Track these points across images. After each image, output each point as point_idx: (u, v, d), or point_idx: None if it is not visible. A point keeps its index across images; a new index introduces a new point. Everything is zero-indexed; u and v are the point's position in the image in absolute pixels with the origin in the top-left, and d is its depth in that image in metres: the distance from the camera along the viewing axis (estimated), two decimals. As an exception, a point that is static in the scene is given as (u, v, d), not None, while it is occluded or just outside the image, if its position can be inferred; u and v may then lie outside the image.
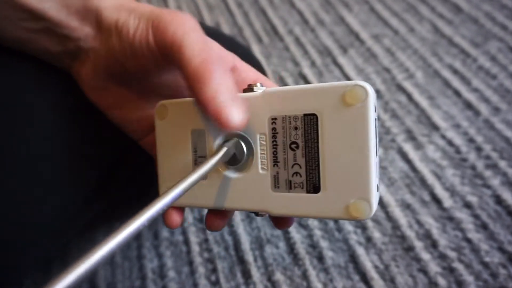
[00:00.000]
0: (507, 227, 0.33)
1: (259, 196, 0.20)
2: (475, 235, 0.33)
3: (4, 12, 0.21)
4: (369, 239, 0.34)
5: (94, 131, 0.25)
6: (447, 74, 0.46)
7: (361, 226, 0.35)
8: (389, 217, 0.35)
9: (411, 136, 0.41)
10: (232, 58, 0.24)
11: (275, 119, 0.20)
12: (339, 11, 0.59)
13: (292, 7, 0.62)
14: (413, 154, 0.39)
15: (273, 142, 0.20)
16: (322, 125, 0.19)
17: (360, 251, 0.33)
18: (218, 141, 0.21)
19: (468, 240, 0.32)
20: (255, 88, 0.21)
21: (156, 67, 0.21)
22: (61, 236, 0.24)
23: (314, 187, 0.19)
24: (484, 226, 0.33)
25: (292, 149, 0.20)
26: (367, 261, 0.32)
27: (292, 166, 0.20)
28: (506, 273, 0.30)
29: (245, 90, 0.21)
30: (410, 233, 0.33)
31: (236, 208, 0.21)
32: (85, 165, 0.25)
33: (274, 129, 0.20)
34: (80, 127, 0.24)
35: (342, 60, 0.51)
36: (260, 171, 0.20)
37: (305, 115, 0.19)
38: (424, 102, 0.44)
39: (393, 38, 0.52)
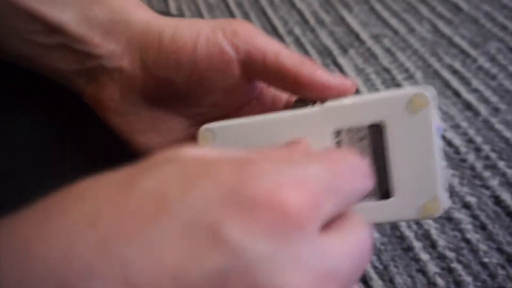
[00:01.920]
0: (506, 227, 0.33)
1: None
2: (474, 236, 0.33)
3: (11, 22, 0.18)
4: (368, 240, 0.34)
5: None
6: (446, 74, 0.46)
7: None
8: (388, 218, 0.35)
9: (410, 137, 0.41)
10: None
11: (340, 132, 0.20)
12: (339, 11, 0.59)
13: (292, 7, 0.62)
14: (412, 155, 0.39)
15: None
16: (388, 133, 0.20)
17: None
18: None
19: (467, 241, 0.33)
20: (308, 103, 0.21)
21: (221, 75, 0.19)
22: None
23: (385, 193, 0.20)
24: (483, 227, 0.33)
25: None
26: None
27: None
28: (504, 273, 0.30)
29: (296, 103, 0.21)
30: (409, 234, 0.34)
31: None
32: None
33: (338, 142, 0.20)
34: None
35: (342, 60, 0.51)
36: None
37: (370, 125, 0.20)
38: (423, 103, 0.44)
39: (393, 38, 0.52)
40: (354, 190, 0.13)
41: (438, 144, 0.19)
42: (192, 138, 0.22)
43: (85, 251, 0.10)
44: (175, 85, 0.20)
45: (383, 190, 0.20)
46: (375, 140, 0.20)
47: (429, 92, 0.19)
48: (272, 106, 0.23)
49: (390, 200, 0.20)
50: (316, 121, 0.20)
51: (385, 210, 0.20)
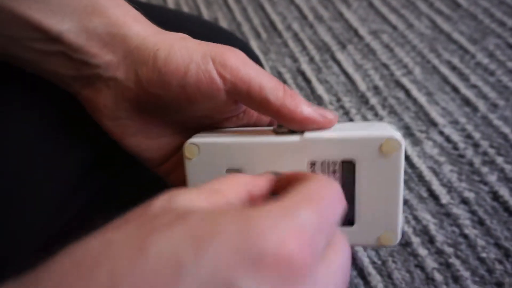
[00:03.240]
0: (503, 223, 0.33)
1: None
2: (472, 231, 0.33)
3: (12, 31, 0.19)
4: (366, 235, 0.34)
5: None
6: (445, 70, 0.46)
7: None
8: (387, 213, 0.35)
9: (409, 133, 0.41)
10: None
11: (314, 163, 0.22)
12: (337, 6, 0.59)
13: (290, 3, 0.62)
14: (410, 151, 0.39)
15: None
16: (358, 170, 0.21)
17: (358, 247, 0.33)
18: None
19: (465, 236, 0.33)
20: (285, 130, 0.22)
21: (208, 100, 0.20)
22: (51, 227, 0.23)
23: (349, 221, 0.22)
24: (481, 222, 0.33)
25: None
26: (365, 256, 0.32)
27: None
28: (502, 268, 0.30)
29: (275, 130, 0.22)
30: (408, 229, 0.34)
31: None
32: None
33: (313, 171, 0.22)
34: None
35: (340, 56, 0.51)
36: None
37: (343, 161, 0.21)
38: (422, 98, 0.44)
39: (392, 34, 0.52)
40: (336, 216, 0.15)
41: (403, 185, 0.21)
42: (180, 142, 0.23)
43: None
44: (165, 101, 0.21)
45: (348, 218, 0.22)
46: (346, 174, 0.22)
47: (400, 139, 0.20)
48: (258, 119, 0.25)
49: (352, 227, 0.22)
50: (294, 150, 0.22)
51: (345, 235, 0.21)
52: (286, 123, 0.21)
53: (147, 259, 0.11)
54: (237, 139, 0.22)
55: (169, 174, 0.25)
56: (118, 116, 0.22)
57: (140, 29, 0.21)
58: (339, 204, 0.15)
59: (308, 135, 0.21)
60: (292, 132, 0.22)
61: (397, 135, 0.21)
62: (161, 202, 0.14)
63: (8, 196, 0.21)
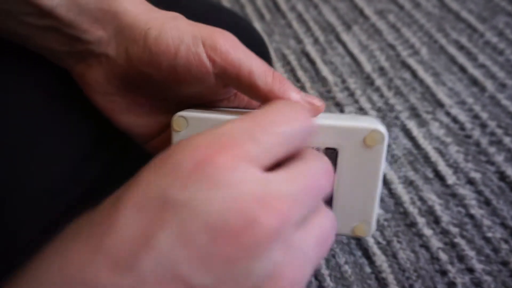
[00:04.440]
0: (510, 202, 0.33)
1: None
2: (478, 211, 0.33)
3: (6, 4, 0.19)
4: (371, 216, 0.34)
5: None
6: (452, 50, 0.45)
7: (364, 203, 0.35)
8: (392, 194, 0.35)
9: (415, 114, 0.40)
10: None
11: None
12: (343, -14, 0.57)
13: (294, -17, 0.60)
14: (416, 132, 0.39)
15: None
16: (341, 159, 0.21)
17: None
18: None
19: (471, 216, 0.33)
20: None
21: (198, 82, 0.20)
22: (62, 200, 0.24)
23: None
24: (487, 202, 0.33)
25: None
26: (369, 237, 0.33)
27: None
28: (507, 248, 0.30)
29: None
30: (413, 210, 0.34)
31: None
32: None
33: None
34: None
35: (345, 36, 0.50)
36: None
37: (327, 148, 0.21)
38: (428, 79, 0.43)
39: (398, 14, 0.51)
40: (321, 189, 0.16)
41: (382, 177, 0.22)
42: (170, 120, 0.23)
43: None
44: (156, 80, 0.21)
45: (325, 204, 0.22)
46: (329, 160, 0.22)
47: (384, 132, 0.21)
48: (248, 102, 0.25)
49: None
50: None
51: None
52: None
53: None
54: (225, 117, 0.22)
55: (158, 150, 0.25)
56: (109, 93, 0.22)
57: (132, 6, 0.20)
58: (325, 180, 0.16)
59: None
60: None
61: (382, 128, 0.21)
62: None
63: (9, 174, 0.21)
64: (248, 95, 0.21)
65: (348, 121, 0.21)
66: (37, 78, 0.23)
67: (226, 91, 0.23)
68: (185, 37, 0.19)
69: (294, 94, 0.20)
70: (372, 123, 0.21)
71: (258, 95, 0.20)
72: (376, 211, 0.22)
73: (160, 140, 0.24)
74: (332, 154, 0.21)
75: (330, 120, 0.22)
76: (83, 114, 0.24)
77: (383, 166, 0.21)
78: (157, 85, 0.21)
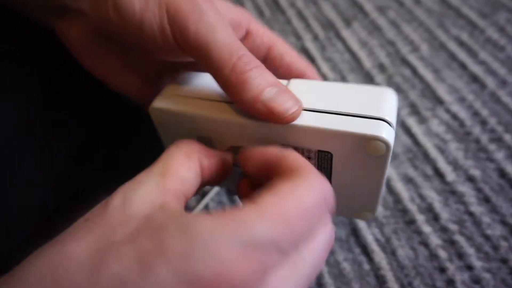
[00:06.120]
0: (510, 200, 0.32)
1: None
2: (477, 208, 0.33)
3: None
4: (370, 213, 0.34)
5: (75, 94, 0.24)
6: (453, 46, 0.45)
7: (363, 200, 0.35)
8: (391, 191, 0.35)
9: (415, 111, 0.40)
10: (247, 20, 0.22)
11: (286, 146, 0.19)
12: (343, -18, 0.57)
13: (294, -21, 0.60)
14: (416, 128, 0.39)
15: None
16: (336, 163, 0.18)
17: (361, 224, 0.33)
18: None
19: (470, 213, 0.32)
20: None
21: (168, 53, 0.19)
22: (51, 203, 0.23)
23: None
24: (486, 200, 0.33)
25: None
26: (368, 234, 0.32)
27: None
28: (507, 245, 0.30)
29: None
30: (412, 207, 0.33)
31: None
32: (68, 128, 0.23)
33: None
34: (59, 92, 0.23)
35: (345, 33, 0.50)
36: None
37: (319, 151, 0.18)
38: (429, 76, 0.43)
39: (398, 10, 0.51)
40: (307, 229, 0.15)
41: (384, 183, 0.19)
42: (159, 78, 0.22)
43: None
44: (129, 42, 0.20)
45: None
46: (321, 162, 0.19)
47: (389, 141, 0.17)
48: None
49: None
50: (266, 132, 0.19)
51: None
52: (233, 101, 0.19)
53: (100, 282, 0.12)
54: (205, 112, 0.20)
55: None
56: (92, 53, 0.21)
57: None
58: (316, 217, 0.15)
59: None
60: None
61: (387, 133, 0.17)
62: (116, 203, 0.15)
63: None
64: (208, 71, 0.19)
65: (348, 121, 0.18)
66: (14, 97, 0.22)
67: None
68: (151, 4, 0.18)
69: (251, 94, 0.17)
70: (379, 126, 0.17)
71: (219, 83, 0.18)
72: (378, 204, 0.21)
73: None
74: (326, 156, 0.19)
75: (324, 119, 0.18)
76: (64, 123, 0.23)
77: (386, 175, 0.18)
78: (132, 46, 0.20)
